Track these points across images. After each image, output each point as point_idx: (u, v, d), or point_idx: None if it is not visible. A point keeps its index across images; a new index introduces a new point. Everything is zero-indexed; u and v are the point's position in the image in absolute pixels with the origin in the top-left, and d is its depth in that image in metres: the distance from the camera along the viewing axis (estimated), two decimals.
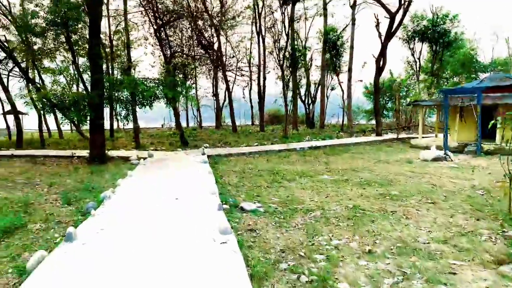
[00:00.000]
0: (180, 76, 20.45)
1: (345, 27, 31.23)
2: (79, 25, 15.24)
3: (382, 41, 21.06)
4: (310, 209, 7.59)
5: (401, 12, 19.98)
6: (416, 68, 27.86)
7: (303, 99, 35.47)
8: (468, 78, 34.68)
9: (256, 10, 30.62)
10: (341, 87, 30.03)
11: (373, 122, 44.54)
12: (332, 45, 29.45)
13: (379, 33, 21.64)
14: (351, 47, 30.33)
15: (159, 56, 34.12)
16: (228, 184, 10.33)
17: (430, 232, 6.18)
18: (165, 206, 7.44)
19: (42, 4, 14.69)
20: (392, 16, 20.07)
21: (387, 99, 43.01)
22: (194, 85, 35.50)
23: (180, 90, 15.45)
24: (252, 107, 43.23)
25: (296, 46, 27.28)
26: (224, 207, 7.37)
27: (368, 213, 7.23)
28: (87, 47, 15.21)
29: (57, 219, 7.19)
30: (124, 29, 21.05)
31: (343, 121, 31.03)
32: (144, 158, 15.31)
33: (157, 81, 15.36)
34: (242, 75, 34.07)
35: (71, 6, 13.89)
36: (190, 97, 16.28)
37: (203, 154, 16.26)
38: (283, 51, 24.81)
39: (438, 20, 24.53)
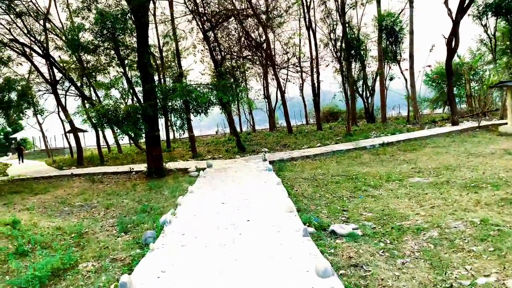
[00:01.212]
0: (231, 80, 19.29)
1: (401, 12, 28.52)
2: (126, 35, 14.37)
3: (453, 18, 18.44)
4: (421, 227, 5.81)
5: None
6: (492, 46, 24.55)
7: (361, 92, 33.04)
8: None
9: (304, 4, 28.84)
10: (403, 75, 27.32)
11: (438, 111, 41.21)
12: (390, 31, 26.88)
13: (449, 9, 19.04)
14: (411, 32, 27.56)
15: (208, 63, 33.52)
16: (302, 195, 8.75)
17: None
18: (235, 231, 6.01)
19: (88, 16, 14.03)
20: None
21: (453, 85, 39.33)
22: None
23: (236, 93, 14.17)
24: (305, 105, 41.33)
25: (353, 36, 25.17)
26: (309, 230, 5.81)
27: (507, 230, 5.32)
28: (136, 56, 14.33)
29: (112, 254, 6.00)
30: (172, 37, 20.23)
31: (408, 112, 28.29)
32: (203, 169, 14.16)
33: (210, 86, 14.19)
34: (298, 71, 32.24)
35: (117, 14, 13.04)
36: (246, 100, 14.88)
37: (265, 160, 14.84)
38: (339, 42, 22.77)
39: None
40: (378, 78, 30.82)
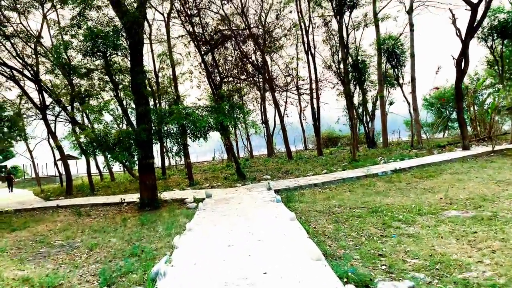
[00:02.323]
0: (233, 102, 18.13)
1: (400, 35, 27.82)
2: (119, 53, 13.13)
3: (463, 39, 17.51)
4: (497, 285, 4.36)
5: (483, 2, 16.51)
6: (499, 68, 23.72)
7: (361, 117, 31.99)
8: None
9: (303, 28, 28.09)
10: (406, 99, 26.29)
11: (438, 136, 40.24)
12: (391, 54, 26.05)
13: (457, 29, 18.16)
14: (412, 55, 26.84)
15: (205, 88, 32.41)
16: (323, 234, 7.26)
17: None
18: None
19: (78, 34, 12.79)
20: (473, 7, 16.57)
21: (451, 109, 38.53)
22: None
23: (238, 116, 12.84)
24: (303, 130, 40.17)
25: (357, 58, 24.26)
26: None
27: None
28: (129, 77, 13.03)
29: None
30: (169, 58, 19.10)
31: (412, 137, 27.14)
32: (202, 200, 12.63)
33: (209, 109, 12.87)
34: (300, 94, 31.14)
35: (108, 31, 11.85)
36: (251, 123, 13.55)
37: (269, 189, 13.36)
38: (343, 63, 21.71)
39: None
40: (378, 102, 29.89)
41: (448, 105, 38.79)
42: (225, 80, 24.52)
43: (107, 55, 13.24)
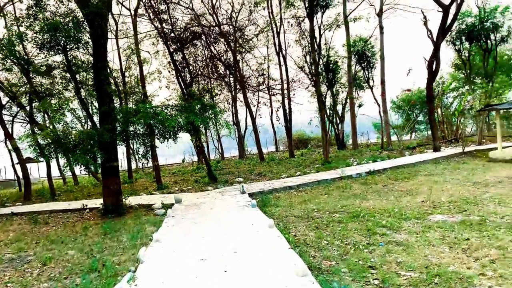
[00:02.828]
0: (204, 101, 17.23)
1: (369, 37, 27.84)
2: (81, 47, 12.04)
3: (435, 40, 17.49)
4: None
5: (455, 4, 16.56)
6: (466, 71, 24.03)
7: (331, 118, 31.86)
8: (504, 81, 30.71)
9: (274, 29, 27.61)
10: (376, 101, 26.30)
11: (406, 138, 40.82)
12: (362, 56, 25.95)
13: (429, 31, 18.16)
14: (382, 58, 26.92)
15: (174, 89, 31.24)
16: (304, 243, 6.62)
17: None
18: None
19: (34, 25, 11.58)
20: (445, 8, 16.55)
21: (418, 111, 39.15)
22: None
23: (210, 116, 12.03)
24: (275, 132, 39.72)
25: (330, 59, 23.93)
26: None
27: None
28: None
29: None
30: (134, 51, 18.04)
31: (382, 139, 27.18)
32: (171, 205, 11.76)
33: (180, 108, 12.01)
34: (273, 94, 30.55)
35: (68, 21, 10.79)
36: (224, 123, 12.79)
37: (243, 192, 12.65)
38: (313, 64, 21.26)
39: (486, 15, 20.98)
40: (348, 104, 29.83)
41: (415, 107, 39.39)
42: (196, 79, 23.64)
43: (67, 49, 12.14)
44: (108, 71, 12.19)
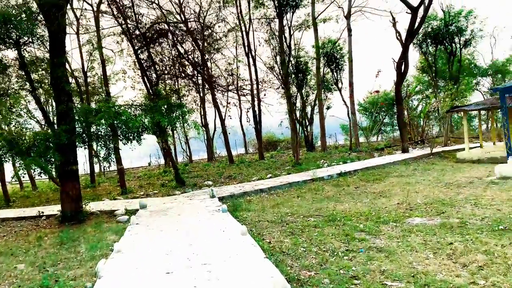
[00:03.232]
0: (171, 100, 16.44)
1: (338, 39, 27.95)
2: (35, 41, 11.07)
3: (403, 41, 17.60)
4: None
5: (423, 6, 16.70)
6: (432, 73, 24.49)
7: (300, 120, 31.77)
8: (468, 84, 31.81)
9: (243, 29, 27.12)
10: (345, 103, 26.41)
11: (373, 139, 41.47)
12: (331, 58, 25.96)
13: (398, 32, 18.28)
14: (350, 60, 27.06)
15: (140, 89, 30.05)
16: (280, 251, 6.15)
17: None
18: None
19: None
20: (414, 10, 16.67)
21: (384, 114, 39.86)
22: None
23: (177, 116, 11.33)
24: (244, 134, 39.21)
25: (300, 60, 23.66)
26: None
27: None
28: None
29: None
30: (97, 48, 17.05)
31: (351, 140, 27.31)
32: (135, 211, 10.99)
33: (144, 107, 11.26)
34: (243, 94, 29.94)
35: (21, 11, 9.84)
36: (192, 124, 12.14)
37: (213, 196, 12.03)
38: (281, 65, 20.90)
39: (450, 19, 21.47)
40: (317, 106, 29.82)
41: (381, 110, 40.06)
42: (162, 78, 22.75)
43: (20, 44, 11.14)
44: (68, 68, 11.21)
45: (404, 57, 17.77)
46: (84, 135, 10.69)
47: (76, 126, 10.98)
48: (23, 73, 14.72)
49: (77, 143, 11.42)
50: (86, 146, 11.52)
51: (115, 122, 10.09)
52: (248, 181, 16.01)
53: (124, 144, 11.01)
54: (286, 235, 7.11)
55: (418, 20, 17.18)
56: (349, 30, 27.09)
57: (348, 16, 26.72)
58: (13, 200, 18.98)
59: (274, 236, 7.11)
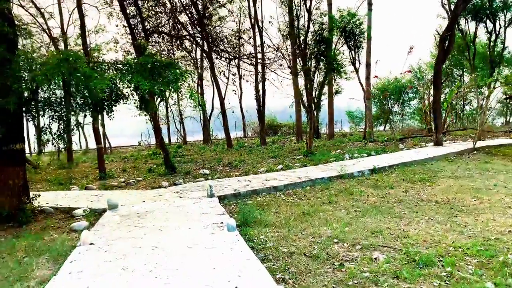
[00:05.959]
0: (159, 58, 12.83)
1: (356, 10, 24.11)
2: None
3: (452, 10, 13.99)
4: None
5: None
6: (471, 54, 20.90)
7: (312, 102, 28.18)
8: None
9: None
10: (362, 87, 22.88)
11: (381, 128, 38.15)
12: (349, 35, 22.18)
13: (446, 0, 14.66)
14: (369, 38, 23.46)
15: (125, 50, 25.79)
16: None
17: None
18: None
19: None
20: None
21: (393, 102, 36.51)
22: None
23: (166, 80, 7.76)
24: (243, 116, 35.69)
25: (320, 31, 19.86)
26: None
27: None
28: None
29: None
30: None
31: (365, 129, 23.94)
32: (100, 214, 7.54)
33: (118, 66, 7.66)
34: (252, 64, 26.19)
35: None
36: (188, 91, 8.56)
37: (211, 196, 8.55)
38: (304, 35, 17.13)
39: None
40: (325, 89, 26.27)
41: (391, 98, 36.70)
42: (152, 37, 19.02)
43: None
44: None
45: (451, 29, 14.13)
46: (27, 99, 7.10)
47: (22, 86, 7.38)
48: None
49: (26, 111, 7.89)
50: (34, 116, 7.91)
51: (71, 79, 6.50)
52: (254, 172, 12.56)
53: (85, 117, 7.51)
54: None
55: None
56: (369, 4, 23.45)
57: None
58: None
59: None
